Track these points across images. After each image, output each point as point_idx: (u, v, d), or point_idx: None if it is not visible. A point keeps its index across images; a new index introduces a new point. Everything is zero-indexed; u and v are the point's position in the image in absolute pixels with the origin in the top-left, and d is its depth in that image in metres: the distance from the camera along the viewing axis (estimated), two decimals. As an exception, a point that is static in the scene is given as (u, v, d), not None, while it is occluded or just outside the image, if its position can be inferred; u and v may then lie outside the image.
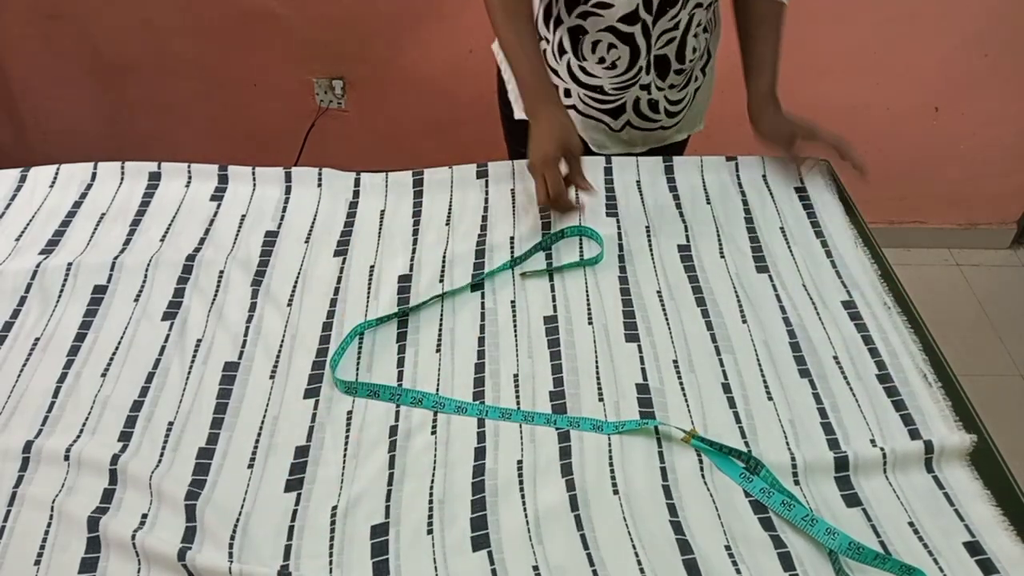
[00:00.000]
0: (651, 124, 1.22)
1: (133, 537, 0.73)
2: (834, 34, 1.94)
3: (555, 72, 1.18)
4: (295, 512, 0.77)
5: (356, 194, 1.13)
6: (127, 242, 1.05)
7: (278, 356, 0.92)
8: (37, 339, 0.93)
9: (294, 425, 0.85)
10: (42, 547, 0.74)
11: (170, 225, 1.08)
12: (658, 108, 1.20)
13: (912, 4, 1.88)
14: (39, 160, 1.19)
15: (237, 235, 1.07)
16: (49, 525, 0.75)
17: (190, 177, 1.15)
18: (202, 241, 1.06)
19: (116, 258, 1.02)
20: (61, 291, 0.98)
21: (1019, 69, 1.99)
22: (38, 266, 1.01)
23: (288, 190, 1.14)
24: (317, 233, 1.07)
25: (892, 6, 1.88)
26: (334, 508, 0.77)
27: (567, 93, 1.19)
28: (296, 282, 1.01)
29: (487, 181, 1.14)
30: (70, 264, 1.01)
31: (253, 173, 1.15)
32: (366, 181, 1.15)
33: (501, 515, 0.76)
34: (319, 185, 1.14)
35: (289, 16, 1.92)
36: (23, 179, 1.15)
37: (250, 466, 0.81)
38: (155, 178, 1.15)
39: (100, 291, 0.98)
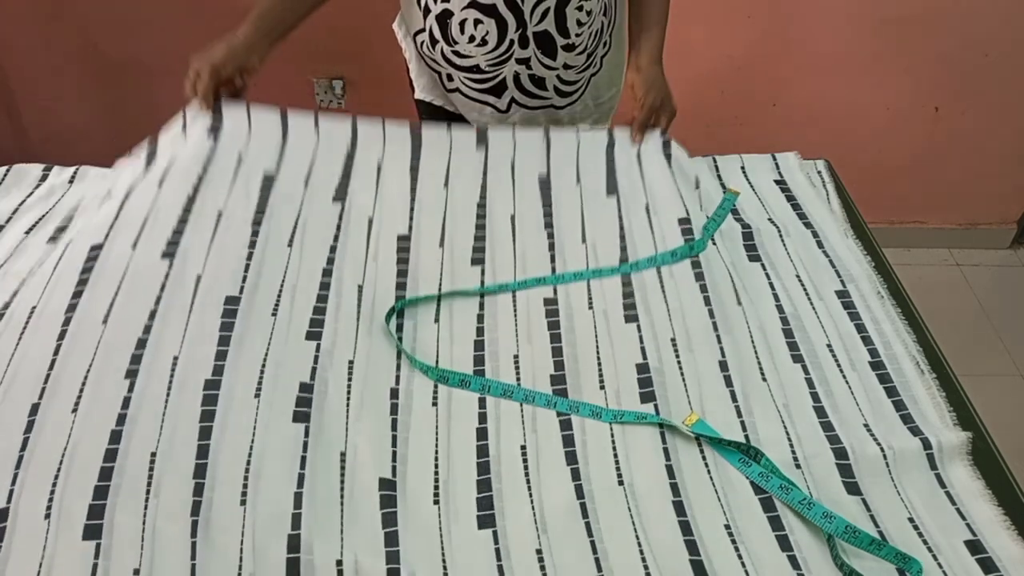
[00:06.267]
0: (539, 101, 1.22)
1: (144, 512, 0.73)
2: (834, 34, 1.94)
3: (434, 60, 1.20)
4: (304, 455, 0.77)
5: (354, 143, 1.12)
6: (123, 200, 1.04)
7: (278, 298, 0.91)
8: (34, 307, 0.91)
9: (296, 370, 0.84)
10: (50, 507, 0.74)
11: (167, 169, 1.06)
12: (545, 85, 1.19)
13: (912, 4, 1.88)
14: (39, 160, 1.19)
15: (235, 177, 1.05)
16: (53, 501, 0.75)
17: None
18: (200, 178, 1.03)
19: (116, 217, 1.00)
20: (60, 258, 0.97)
21: (1019, 69, 1.99)
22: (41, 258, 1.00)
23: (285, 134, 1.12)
24: (315, 179, 1.06)
25: (892, 6, 1.88)
26: (342, 454, 0.78)
27: (449, 78, 1.21)
28: (296, 225, 1.00)
29: (487, 148, 1.13)
30: (69, 242, 0.99)
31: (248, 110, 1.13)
32: (363, 131, 1.13)
33: (506, 505, 0.77)
34: (316, 126, 1.12)
35: (289, 16, 1.92)
36: (43, 178, 1.15)
37: (256, 395, 0.81)
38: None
39: (97, 248, 0.96)
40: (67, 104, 2.12)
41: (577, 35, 1.14)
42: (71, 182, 1.15)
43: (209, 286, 0.91)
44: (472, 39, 1.13)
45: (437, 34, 1.16)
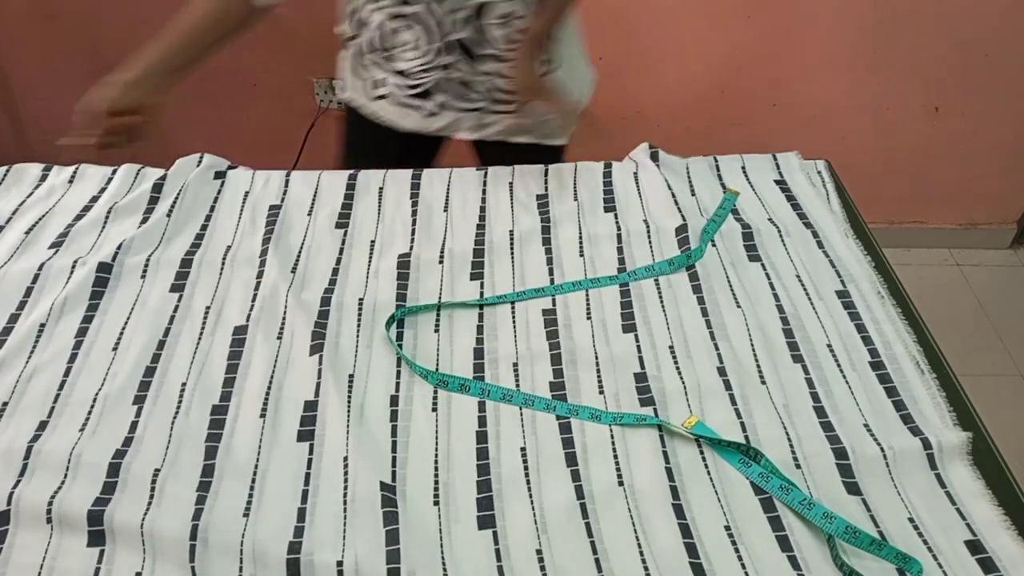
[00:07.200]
0: (469, 103, 1.20)
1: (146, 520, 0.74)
2: (834, 34, 1.94)
3: (368, 65, 1.21)
4: (309, 462, 0.80)
5: (353, 177, 1.15)
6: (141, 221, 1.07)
7: (283, 321, 0.93)
8: (43, 325, 0.93)
9: (300, 387, 0.87)
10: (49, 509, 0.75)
11: (175, 202, 1.09)
12: (472, 88, 1.17)
13: (912, 4, 1.88)
14: (39, 160, 1.19)
15: (241, 212, 1.09)
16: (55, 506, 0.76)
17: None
18: (210, 215, 1.08)
19: (122, 243, 1.03)
20: (67, 282, 0.98)
21: (1019, 69, 1.99)
22: (44, 263, 1.00)
23: (287, 182, 1.16)
24: (319, 207, 1.10)
25: (892, 6, 1.89)
26: (345, 458, 0.79)
27: (383, 82, 1.21)
28: (299, 252, 1.03)
29: (485, 175, 1.15)
30: (76, 261, 1.01)
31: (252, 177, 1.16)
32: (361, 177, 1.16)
33: (506, 505, 0.77)
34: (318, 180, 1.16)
35: (289, 16, 1.92)
36: (43, 178, 1.16)
37: (262, 415, 0.84)
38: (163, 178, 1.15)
39: (105, 270, 0.99)
40: (67, 104, 2.11)
41: (505, 48, 1.13)
42: (71, 182, 1.15)
43: (217, 317, 0.94)
44: (405, 44, 1.13)
45: (376, 43, 1.16)
